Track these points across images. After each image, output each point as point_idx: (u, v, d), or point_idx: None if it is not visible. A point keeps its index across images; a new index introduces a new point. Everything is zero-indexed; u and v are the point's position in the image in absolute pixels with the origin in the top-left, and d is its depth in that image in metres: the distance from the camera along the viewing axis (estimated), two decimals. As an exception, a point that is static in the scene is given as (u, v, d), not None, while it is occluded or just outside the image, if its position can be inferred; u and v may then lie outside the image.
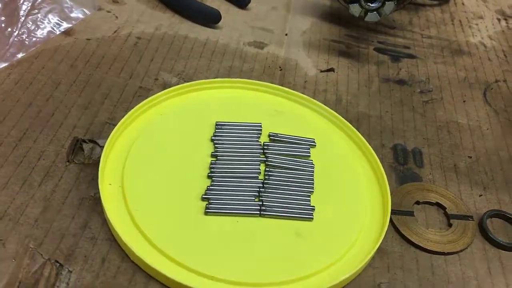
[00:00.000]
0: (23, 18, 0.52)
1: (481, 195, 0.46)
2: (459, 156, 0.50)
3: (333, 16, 0.66)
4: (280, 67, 0.57)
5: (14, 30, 0.51)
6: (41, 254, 0.36)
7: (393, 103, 0.55)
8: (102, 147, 0.44)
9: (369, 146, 0.47)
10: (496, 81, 0.60)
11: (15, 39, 0.51)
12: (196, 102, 0.50)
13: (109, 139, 0.43)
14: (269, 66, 0.57)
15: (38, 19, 0.52)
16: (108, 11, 0.60)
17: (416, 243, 0.41)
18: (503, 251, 0.42)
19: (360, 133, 0.48)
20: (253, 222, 0.40)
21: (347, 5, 0.56)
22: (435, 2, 0.73)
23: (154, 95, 0.49)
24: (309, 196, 0.42)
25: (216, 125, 0.47)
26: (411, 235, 0.41)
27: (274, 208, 0.41)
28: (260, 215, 0.40)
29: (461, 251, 0.41)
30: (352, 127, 0.49)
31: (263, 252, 0.39)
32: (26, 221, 0.38)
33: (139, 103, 0.47)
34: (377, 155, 0.46)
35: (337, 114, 0.50)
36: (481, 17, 0.71)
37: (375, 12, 0.55)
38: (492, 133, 0.53)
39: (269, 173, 0.43)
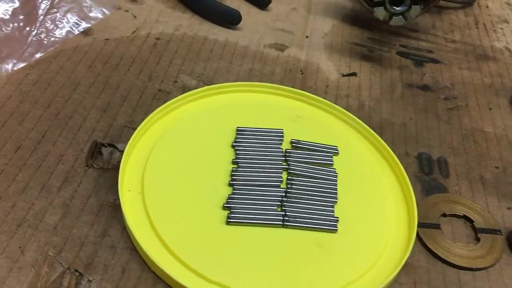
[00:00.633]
0: (41, 17, 0.51)
1: (510, 208, 0.45)
2: (486, 166, 0.48)
3: (355, 19, 0.65)
4: (301, 71, 0.56)
5: (33, 29, 0.50)
6: (61, 263, 0.35)
7: (417, 109, 0.53)
8: (121, 151, 0.43)
9: (394, 155, 0.46)
10: (523, 88, 0.58)
11: (34, 38, 0.50)
12: (216, 106, 0.49)
13: (128, 144, 0.42)
14: (290, 70, 0.56)
15: (57, 18, 0.52)
16: (126, 11, 0.59)
17: (444, 258, 0.39)
18: (532, 267, 0.40)
19: (384, 141, 0.47)
20: (276, 232, 0.39)
21: (371, 8, 0.55)
22: (459, 5, 0.71)
23: (174, 99, 0.48)
24: (332, 206, 0.41)
25: (237, 130, 0.46)
26: (438, 250, 0.40)
27: (297, 218, 0.40)
28: (283, 226, 0.39)
29: (489, 267, 0.40)
30: (376, 135, 0.48)
31: (286, 264, 0.38)
32: (45, 227, 0.37)
33: (158, 106, 0.47)
34: (401, 164, 0.45)
35: (360, 121, 0.49)
36: (506, 21, 0.69)
37: (400, 15, 0.53)
38: (519, 142, 0.51)
39: (292, 182, 0.42)
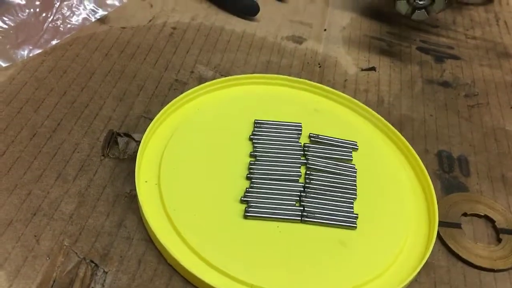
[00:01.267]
0: (58, 4, 0.51)
1: (531, 209, 0.44)
2: (507, 165, 0.47)
3: (374, 12, 0.64)
4: (319, 64, 0.55)
5: (49, 15, 0.50)
6: (76, 253, 0.35)
7: (437, 106, 0.52)
8: (137, 141, 0.43)
9: (414, 152, 0.45)
10: (545, 87, 0.57)
11: (50, 25, 0.50)
12: (233, 98, 0.48)
13: (145, 134, 0.41)
14: (307, 63, 0.55)
15: (74, 5, 0.51)
16: (143, -1, 0.58)
17: (465, 258, 0.39)
18: (555, 270, 0.40)
19: (403, 137, 0.46)
20: (294, 228, 0.39)
21: (393, 2, 0.54)
22: (479, 1, 0.70)
23: (191, 90, 0.47)
24: (352, 202, 0.40)
25: (255, 123, 0.45)
26: (458, 249, 0.39)
27: (316, 214, 0.39)
28: (302, 221, 0.39)
29: (510, 268, 0.39)
30: (396, 131, 0.47)
31: (304, 260, 0.37)
32: (61, 217, 0.37)
33: (175, 96, 0.46)
34: (421, 162, 0.44)
35: (379, 116, 0.48)
36: (527, 18, 0.68)
37: (423, 9, 0.52)
38: (541, 142, 0.50)
39: (310, 177, 0.41)
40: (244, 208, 0.39)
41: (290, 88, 0.51)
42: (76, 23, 0.51)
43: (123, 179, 0.40)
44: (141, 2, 0.58)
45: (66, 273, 0.34)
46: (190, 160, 0.42)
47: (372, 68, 0.55)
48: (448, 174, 0.45)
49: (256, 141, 0.44)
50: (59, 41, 0.50)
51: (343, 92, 0.50)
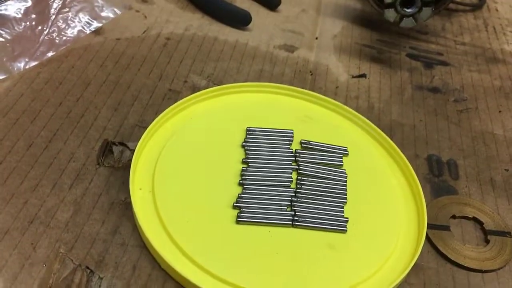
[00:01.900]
0: (53, 16, 0.52)
1: (519, 210, 0.45)
2: (496, 169, 0.48)
3: (364, 20, 0.65)
4: (311, 72, 0.56)
5: (45, 28, 0.51)
6: (72, 260, 0.36)
7: (427, 112, 0.53)
8: (131, 150, 0.44)
9: (404, 157, 0.46)
10: (533, 91, 0.58)
11: (46, 37, 0.51)
12: (226, 106, 0.49)
13: (139, 142, 0.42)
14: (299, 71, 0.56)
15: (69, 17, 0.52)
16: (137, 11, 0.59)
17: (453, 259, 0.39)
18: (542, 270, 0.40)
19: (393, 143, 0.47)
20: (285, 232, 0.39)
21: (381, 10, 0.55)
22: (468, 8, 0.71)
23: (184, 99, 0.48)
24: (342, 207, 0.41)
25: (247, 130, 0.46)
26: (447, 251, 0.40)
27: (307, 219, 0.40)
28: (293, 226, 0.40)
29: (499, 269, 0.40)
30: (386, 136, 0.48)
31: (295, 264, 0.38)
32: (57, 224, 0.38)
33: (168, 106, 0.47)
34: (411, 166, 0.45)
35: (370, 122, 0.49)
36: (515, 24, 0.69)
37: (411, 17, 0.53)
38: (529, 145, 0.51)
39: (302, 182, 0.42)
40: (236, 213, 0.40)
41: (282, 95, 0.52)
42: (71, 35, 0.52)
43: (118, 187, 0.41)
44: (135, 14, 0.59)
45: (62, 279, 0.35)
46: (183, 168, 0.43)
47: (363, 75, 0.56)
48: (438, 177, 0.46)
49: (248, 148, 0.45)
50: (54, 53, 0.51)
51: (334, 99, 0.51)
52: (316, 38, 0.61)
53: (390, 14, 0.54)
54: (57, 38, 0.51)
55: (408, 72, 0.58)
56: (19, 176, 0.40)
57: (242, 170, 0.43)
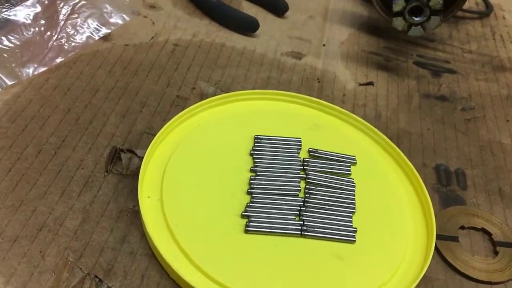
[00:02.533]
0: (62, 22, 0.52)
1: (528, 221, 0.44)
2: (504, 179, 0.48)
3: (371, 27, 0.65)
4: (318, 79, 0.56)
5: (54, 34, 0.51)
6: (81, 268, 0.36)
7: (434, 120, 0.53)
8: (140, 157, 0.44)
9: (412, 166, 0.46)
10: (540, 100, 0.58)
11: (54, 43, 0.51)
12: (233, 114, 0.49)
13: (148, 150, 0.42)
14: (307, 78, 0.56)
15: (78, 23, 0.52)
16: (145, 16, 0.60)
17: (462, 270, 0.39)
18: (551, 282, 0.40)
19: (401, 151, 0.47)
20: (294, 242, 0.39)
21: (389, 18, 0.55)
22: (475, 16, 0.71)
23: (192, 106, 0.48)
24: (350, 217, 0.41)
25: (255, 138, 0.46)
26: (456, 262, 0.40)
27: (315, 229, 0.40)
28: (301, 236, 0.39)
29: (507, 281, 0.40)
30: (394, 145, 0.48)
31: (303, 274, 0.38)
32: (65, 232, 0.38)
33: (176, 112, 0.47)
34: (419, 175, 0.45)
35: (377, 131, 0.49)
36: (523, 32, 0.69)
37: (419, 26, 0.53)
38: (537, 155, 0.51)
39: (310, 191, 0.42)
40: (245, 222, 0.39)
41: (290, 103, 0.52)
42: (80, 41, 0.52)
43: (126, 195, 0.41)
44: (143, 20, 0.59)
45: (71, 288, 0.35)
46: (191, 175, 0.43)
47: (370, 83, 0.56)
48: (446, 187, 0.46)
49: (256, 156, 0.45)
50: (63, 59, 0.51)
51: (342, 107, 0.51)
52: (324, 45, 0.61)
53: (399, 23, 0.54)
54: (65, 44, 0.51)
55: (416, 80, 0.58)
56: (28, 184, 0.40)
57: (251, 179, 0.43)
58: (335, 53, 0.60)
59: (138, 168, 0.41)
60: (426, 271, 0.38)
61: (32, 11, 0.51)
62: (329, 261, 0.38)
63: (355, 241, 0.40)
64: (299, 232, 0.39)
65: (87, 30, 0.52)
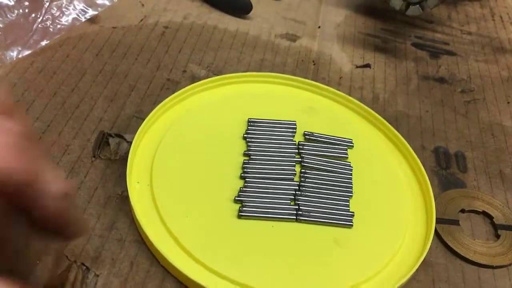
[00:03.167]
0: (47, 4, 0.50)
1: (530, 204, 0.43)
2: (505, 161, 0.47)
3: (368, 9, 0.63)
4: (313, 62, 0.54)
5: (38, 16, 0.49)
6: (67, 256, 0.34)
7: (433, 102, 0.52)
8: (128, 142, 0.42)
9: (410, 149, 0.44)
10: (541, 81, 0.57)
11: (39, 25, 0.49)
12: (226, 97, 0.48)
13: (137, 134, 0.41)
14: (302, 60, 0.54)
15: (63, 5, 0.50)
16: (134, -2, 0.58)
17: (463, 254, 0.38)
18: (555, 266, 0.39)
19: (399, 134, 0.46)
20: (289, 227, 0.38)
21: (386, -3, 0.53)
22: (474, -4, 0.69)
23: (183, 89, 0.46)
24: (348, 201, 0.40)
25: (249, 122, 0.45)
26: (457, 246, 0.38)
27: (311, 213, 0.38)
28: (297, 220, 0.38)
29: (510, 264, 0.38)
30: (392, 128, 0.46)
31: (299, 259, 0.36)
32: (51, 219, 0.36)
33: (167, 96, 0.45)
34: (418, 158, 0.44)
35: (375, 113, 0.47)
36: (523, 13, 0.67)
37: (417, 5, 0.51)
38: (538, 137, 0.50)
39: (305, 175, 0.41)
40: (238, 207, 0.38)
41: (284, 86, 0.50)
42: (66, 23, 0.50)
43: (114, 180, 0.39)
44: (132, 1, 0.57)
45: (57, 276, 0.33)
46: (183, 160, 0.41)
47: (367, 65, 0.55)
48: (445, 170, 0.45)
49: (249, 140, 0.43)
50: (48, 41, 0.49)
51: (338, 90, 0.50)
52: (319, 27, 0.59)
53: (396, 2, 0.52)
54: (51, 26, 0.49)
55: (414, 62, 0.56)
56: (12, 169, 0.38)
57: (244, 163, 0.41)
58: (331, 35, 0.58)
59: (127, 153, 0.40)
60: (426, 255, 0.37)
61: (15, -8, 0.49)
62: (326, 246, 0.37)
63: (352, 225, 0.38)
64: (294, 217, 0.38)
65: (73, 12, 0.50)
